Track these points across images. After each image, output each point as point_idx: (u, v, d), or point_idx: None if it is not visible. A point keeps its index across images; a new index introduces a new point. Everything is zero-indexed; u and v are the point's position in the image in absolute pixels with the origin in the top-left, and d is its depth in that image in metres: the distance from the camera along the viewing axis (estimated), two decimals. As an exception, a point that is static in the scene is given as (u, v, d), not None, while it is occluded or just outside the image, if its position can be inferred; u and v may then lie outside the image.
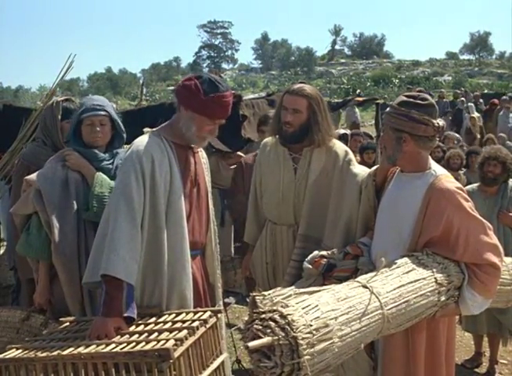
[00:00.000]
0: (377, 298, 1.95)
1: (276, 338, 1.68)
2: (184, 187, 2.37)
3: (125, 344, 1.96)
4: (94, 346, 1.99)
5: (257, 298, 2.04)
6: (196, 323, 2.07)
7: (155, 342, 1.93)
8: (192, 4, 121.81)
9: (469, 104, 13.54)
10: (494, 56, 46.95)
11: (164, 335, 1.99)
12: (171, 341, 1.91)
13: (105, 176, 2.72)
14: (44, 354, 1.99)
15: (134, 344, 1.95)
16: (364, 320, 1.88)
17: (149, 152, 2.26)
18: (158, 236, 2.26)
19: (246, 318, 1.85)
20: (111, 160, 2.79)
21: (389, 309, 1.96)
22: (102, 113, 2.76)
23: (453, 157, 5.71)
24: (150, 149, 2.27)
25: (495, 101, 13.01)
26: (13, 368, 2.01)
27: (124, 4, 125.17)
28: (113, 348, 1.94)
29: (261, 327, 1.73)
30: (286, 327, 1.69)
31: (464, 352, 4.31)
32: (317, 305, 1.82)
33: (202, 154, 2.59)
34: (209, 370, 2.11)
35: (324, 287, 2.01)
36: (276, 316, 1.73)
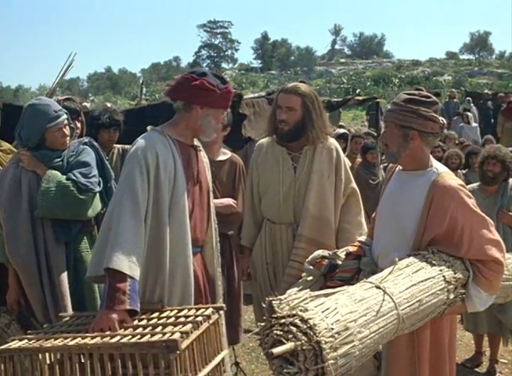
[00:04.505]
0: (391, 298, 1.94)
1: (299, 343, 1.65)
2: (187, 184, 2.37)
3: (130, 336, 1.96)
4: (99, 338, 1.97)
5: (273, 302, 2.01)
6: (199, 318, 2.07)
7: (161, 334, 1.92)
8: (192, 4, 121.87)
9: (468, 113, 11.79)
10: (494, 56, 46.87)
11: (169, 328, 1.99)
12: (178, 334, 1.91)
13: (55, 172, 2.72)
14: (49, 344, 1.98)
15: (139, 336, 1.94)
16: (381, 321, 1.87)
17: (154, 148, 2.26)
18: (161, 231, 2.26)
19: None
20: (61, 157, 2.79)
21: (403, 309, 1.95)
22: (66, 116, 2.79)
23: (452, 156, 5.70)
24: (155, 145, 2.28)
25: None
26: (18, 358, 2.00)
27: (123, 3, 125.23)
28: (119, 340, 1.93)
29: (281, 333, 1.69)
30: (309, 331, 1.67)
31: (464, 351, 4.32)
32: (336, 308, 1.80)
33: (203, 153, 2.59)
34: (211, 366, 2.11)
35: (338, 289, 1.99)
36: (297, 321, 1.70)
